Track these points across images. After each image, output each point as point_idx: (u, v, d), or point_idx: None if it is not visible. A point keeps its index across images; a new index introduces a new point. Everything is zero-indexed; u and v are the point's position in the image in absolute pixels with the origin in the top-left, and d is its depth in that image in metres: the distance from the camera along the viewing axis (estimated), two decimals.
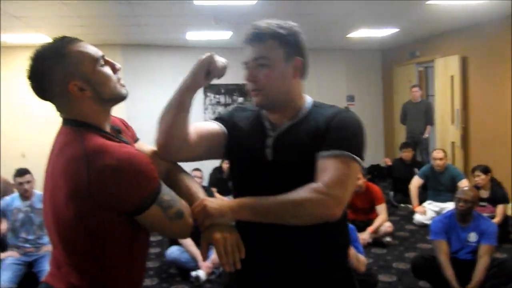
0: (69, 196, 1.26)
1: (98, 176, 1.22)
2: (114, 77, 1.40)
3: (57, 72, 1.30)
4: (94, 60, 1.35)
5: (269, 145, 1.55)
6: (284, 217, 1.38)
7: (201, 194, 1.49)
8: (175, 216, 1.35)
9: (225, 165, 7.53)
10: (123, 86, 1.44)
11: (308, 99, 1.62)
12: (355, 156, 1.42)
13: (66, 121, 1.38)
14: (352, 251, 3.73)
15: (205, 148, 1.62)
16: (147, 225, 1.35)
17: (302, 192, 1.36)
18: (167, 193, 1.35)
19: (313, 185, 1.37)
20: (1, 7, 4.83)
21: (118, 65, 1.45)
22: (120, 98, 1.44)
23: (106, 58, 1.43)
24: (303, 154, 1.48)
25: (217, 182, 7.45)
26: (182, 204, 1.39)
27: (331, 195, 1.35)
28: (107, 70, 1.39)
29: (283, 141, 1.54)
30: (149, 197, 1.28)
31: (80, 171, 1.23)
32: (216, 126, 1.66)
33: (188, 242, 4.44)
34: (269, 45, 1.50)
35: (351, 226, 3.84)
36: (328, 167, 1.40)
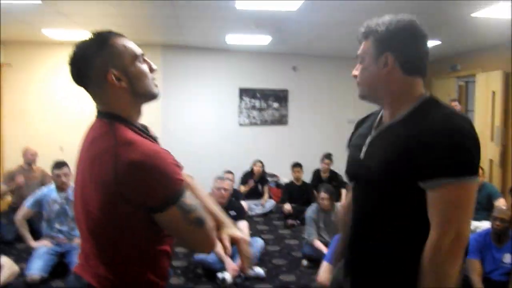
0: (97, 188, 1.30)
1: (124, 169, 1.25)
2: (150, 75, 1.47)
3: (99, 60, 1.38)
4: (135, 55, 1.43)
5: (367, 143, 1.56)
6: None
7: (223, 217, 1.62)
8: (195, 222, 1.34)
9: (256, 168, 7.56)
10: (156, 86, 1.50)
11: (422, 97, 1.49)
12: (461, 177, 1.29)
13: (100, 114, 1.42)
14: None
15: None
16: (166, 226, 1.34)
17: (428, 264, 1.32)
18: (190, 197, 1.35)
19: (429, 244, 1.32)
20: (49, 4, 4.99)
21: (154, 66, 1.51)
22: (152, 96, 1.49)
23: (145, 57, 1.48)
24: (384, 162, 1.43)
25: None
26: (205, 214, 1.39)
27: (448, 245, 1.29)
28: (144, 67, 1.46)
29: (376, 141, 1.53)
30: (171, 197, 1.29)
31: (109, 164, 1.27)
32: None
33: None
34: (366, 43, 1.54)
35: None
36: (433, 207, 1.32)
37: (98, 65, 1.37)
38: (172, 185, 1.30)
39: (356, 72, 1.59)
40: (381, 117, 1.60)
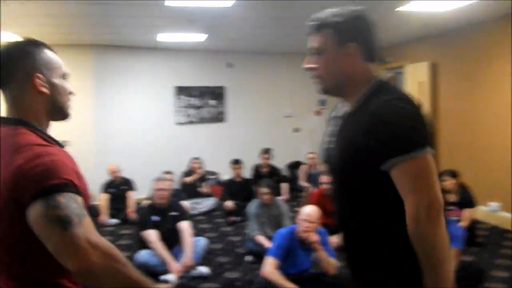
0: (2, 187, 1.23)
1: (15, 171, 1.19)
2: (68, 96, 1.47)
3: (30, 61, 1.37)
4: (63, 71, 1.47)
5: (334, 133, 1.62)
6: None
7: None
8: (57, 220, 1.13)
9: (195, 169, 7.49)
10: (71, 109, 1.49)
11: (373, 83, 1.55)
12: (411, 153, 1.36)
13: (6, 120, 1.37)
14: (322, 254, 3.75)
15: None
16: (34, 228, 1.17)
17: (417, 229, 1.37)
18: (71, 200, 1.18)
19: (408, 220, 1.37)
20: None
21: (74, 91, 1.51)
22: (66, 115, 1.48)
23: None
24: (343, 156, 1.52)
25: (186, 184, 7.42)
26: (86, 222, 1.18)
27: (424, 213, 1.35)
28: (68, 85, 1.47)
29: (340, 131, 1.59)
30: (41, 190, 1.16)
31: (4, 168, 1.23)
32: None
33: (159, 246, 4.39)
34: (322, 35, 1.55)
35: (322, 229, 3.86)
36: (399, 184, 1.39)
37: (28, 65, 1.36)
38: (49, 179, 1.17)
39: (311, 65, 1.60)
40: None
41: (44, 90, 1.37)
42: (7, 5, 4.77)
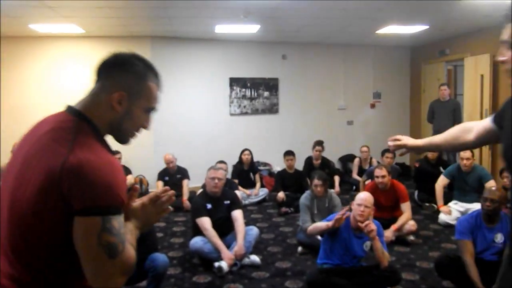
0: (40, 173, 1.21)
1: (72, 165, 1.19)
2: (139, 127, 1.47)
3: (129, 78, 1.39)
4: (149, 105, 1.44)
5: None
6: None
7: None
8: (106, 246, 1.19)
9: (244, 157, 7.56)
10: (132, 137, 1.50)
11: None
12: None
13: (71, 110, 1.40)
14: (378, 244, 3.74)
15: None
16: (78, 234, 1.19)
17: None
18: (121, 224, 1.24)
19: None
20: None
21: (149, 127, 1.50)
22: (123, 140, 1.49)
23: (151, 113, 1.48)
24: None
25: (239, 174, 7.51)
26: (126, 247, 1.25)
27: None
28: (144, 119, 1.46)
29: None
30: (100, 206, 1.19)
31: (60, 155, 1.22)
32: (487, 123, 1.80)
33: (212, 233, 4.49)
34: None
35: (376, 222, 3.84)
36: None
37: (123, 79, 1.38)
38: (109, 196, 1.21)
39: (503, 58, 1.50)
40: None
41: (117, 107, 1.37)
42: None
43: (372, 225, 3.72)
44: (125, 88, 1.36)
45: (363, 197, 3.92)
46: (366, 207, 3.83)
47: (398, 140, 2.08)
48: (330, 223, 3.79)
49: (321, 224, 3.95)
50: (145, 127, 1.47)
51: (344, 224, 3.87)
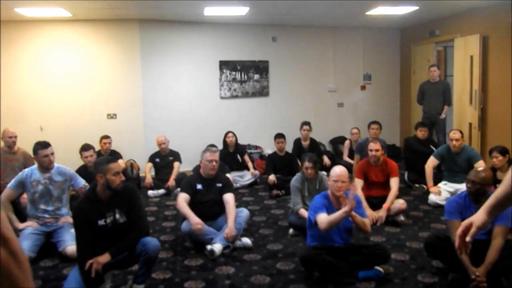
0: None
1: None
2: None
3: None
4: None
5: None
6: None
7: None
8: None
9: (228, 139, 7.53)
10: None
11: None
12: None
13: None
14: (357, 217, 3.81)
15: None
16: None
17: None
18: None
19: None
20: None
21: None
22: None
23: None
24: None
25: (225, 157, 7.50)
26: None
27: None
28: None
29: None
30: None
31: None
32: None
33: (182, 204, 4.58)
34: None
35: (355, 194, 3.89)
36: None
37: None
38: None
39: None
40: None
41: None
42: None
43: (349, 199, 3.72)
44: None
45: (338, 172, 3.98)
46: (342, 182, 3.92)
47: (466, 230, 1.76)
48: (346, 208, 3.70)
49: (336, 215, 3.74)
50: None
51: (327, 203, 3.92)
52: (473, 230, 1.72)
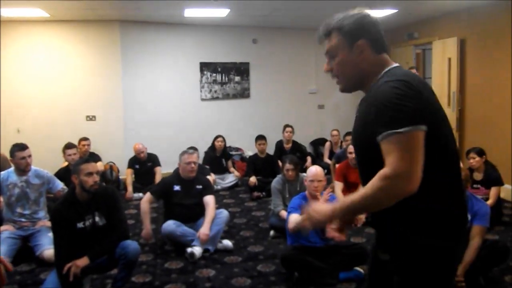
0: None
1: None
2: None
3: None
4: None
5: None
6: (371, 209, 1.61)
7: None
8: None
9: (217, 144, 7.55)
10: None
11: (383, 72, 1.67)
12: (398, 130, 1.46)
13: None
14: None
15: None
16: None
17: (374, 182, 1.48)
18: None
19: (381, 172, 1.47)
20: None
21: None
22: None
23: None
24: (357, 132, 1.71)
25: (211, 160, 7.48)
26: None
27: (398, 176, 1.44)
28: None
29: (356, 113, 1.75)
30: None
31: None
32: None
33: (144, 209, 4.68)
34: (332, 39, 1.74)
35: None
36: (386, 151, 1.49)
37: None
38: None
39: (328, 67, 1.80)
40: None
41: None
42: None
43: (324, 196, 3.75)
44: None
45: (314, 172, 4.05)
46: (318, 181, 3.99)
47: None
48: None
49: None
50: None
51: (304, 203, 3.93)
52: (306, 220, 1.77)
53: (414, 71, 7.67)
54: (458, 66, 7.11)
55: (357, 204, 1.54)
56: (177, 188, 4.73)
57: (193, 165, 4.75)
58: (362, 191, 1.54)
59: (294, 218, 3.76)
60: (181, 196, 4.69)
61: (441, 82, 7.53)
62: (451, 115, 7.30)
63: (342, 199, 1.66)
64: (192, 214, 4.65)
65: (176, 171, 5.04)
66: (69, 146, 6.02)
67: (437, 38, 7.68)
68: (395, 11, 7.16)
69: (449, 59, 7.28)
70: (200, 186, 4.78)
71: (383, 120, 1.50)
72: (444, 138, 1.59)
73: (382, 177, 1.46)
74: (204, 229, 4.39)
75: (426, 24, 8.06)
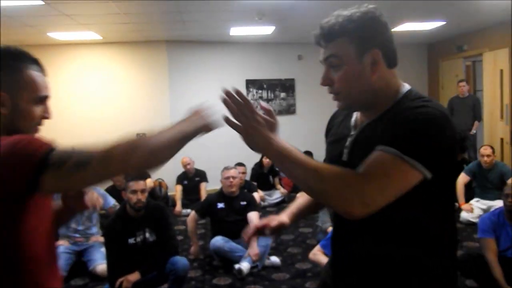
0: None
1: None
2: (36, 120, 1.38)
3: (2, 74, 1.30)
4: (38, 95, 1.36)
5: (348, 145, 1.42)
6: (299, 181, 1.26)
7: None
8: (74, 167, 1.14)
9: (266, 160, 7.58)
10: (36, 132, 1.40)
11: (401, 92, 1.39)
12: (406, 158, 1.17)
13: None
14: None
15: None
16: (55, 188, 1.21)
17: (335, 173, 1.20)
18: (60, 150, 1.18)
19: (350, 172, 1.20)
20: (52, 6, 5.02)
21: (50, 115, 1.43)
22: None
23: (47, 102, 1.40)
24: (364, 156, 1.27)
25: (258, 176, 7.51)
26: (86, 154, 1.19)
27: (360, 191, 1.16)
28: (39, 109, 1.38)
29: (359, 141, 1.38)
30: (35, 170, 1.12)
31: None
32: None
33: (191, 228, 4.83)
34: (337, 44, 1.34)
35: None
36: (373, 159, 1.21)
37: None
38: (33, 157, 1.13)
39: (326, 80, 1.41)
40: (355, 119, 1.50)
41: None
42: (88, 5, 5.06)
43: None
44: (2, 87, 1.27)
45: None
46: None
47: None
48: None
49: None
50: (46, 117, 1.39)
51: None
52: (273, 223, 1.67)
53: (464, 84, 7.51)
54: (511, 77, 6.88)
55: (297, 164, 1.23)
56: (220, 205, 4.77)
57: (231, 179, 4.79)
58: (318, 164, 1.23)
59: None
60: (225, 213, 4.73)
61: (493, 94, 7.30)
62: (504, 128, 7.06)
63: (294, 149, 1.27)
64: (238, 230, 4.67)
65: (221, 188, 5.10)
66: None
67: (487, 49, 7.47)
68: (444, 23, 7.02)
69: (501, 71, 7.06)
70: (245, 202, 4.81)
71: (397, 139, 1.20)
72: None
73: (348, 177, 1.19)
74: (253, 250, 4.38)
75: (475, 35, 7.86)
